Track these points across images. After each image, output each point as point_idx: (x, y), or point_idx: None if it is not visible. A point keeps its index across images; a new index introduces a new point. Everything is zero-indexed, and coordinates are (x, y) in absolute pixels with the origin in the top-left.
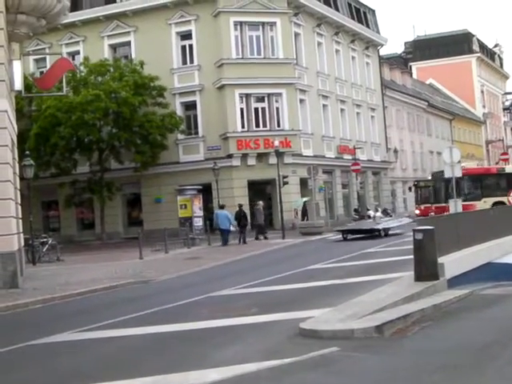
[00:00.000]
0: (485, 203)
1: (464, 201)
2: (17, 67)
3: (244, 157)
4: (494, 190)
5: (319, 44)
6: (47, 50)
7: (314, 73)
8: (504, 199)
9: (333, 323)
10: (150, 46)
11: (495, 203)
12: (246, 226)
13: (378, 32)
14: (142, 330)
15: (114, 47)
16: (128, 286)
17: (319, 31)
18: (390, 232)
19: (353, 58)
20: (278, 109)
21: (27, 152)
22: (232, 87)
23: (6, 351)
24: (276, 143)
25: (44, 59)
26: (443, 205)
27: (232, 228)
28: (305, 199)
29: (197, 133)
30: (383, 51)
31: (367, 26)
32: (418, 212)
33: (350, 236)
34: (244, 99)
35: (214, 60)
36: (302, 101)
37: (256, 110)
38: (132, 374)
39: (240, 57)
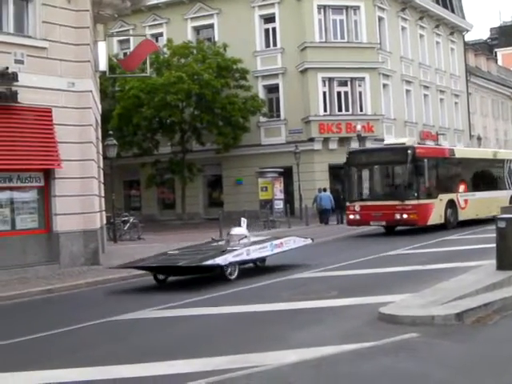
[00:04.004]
0: (441, 202)
1: (421, 197)
2: (101, 48)
3: (325, 141)
4: (450, 183)
5: (403, 29)
6: (131, 32)
7: (398, 58)
8: (454, 196)
9: (413, 309)
10: (233, 28)
11: (448, 202)
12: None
13: (463, 17)
14: (221, 310)
15: (197, 29)
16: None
17: (403, 16)
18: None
19: (437, 43)
20: (360, 93)
21: (110, 132)
22: (315, 71)
23: (87, 326)
24: (358, 127)
25: (128, 41)
26: (419, 202)
27: None
28: None
29: (279, 116)
30: (468, 37)
31: (452, 11)
32: (351, 216)
33: (163, 276)
34: (327, 83)
35: (297, 43)
36: (385, 85)
37: (338, 93)
38: (210, 353)
39: (323, 40)
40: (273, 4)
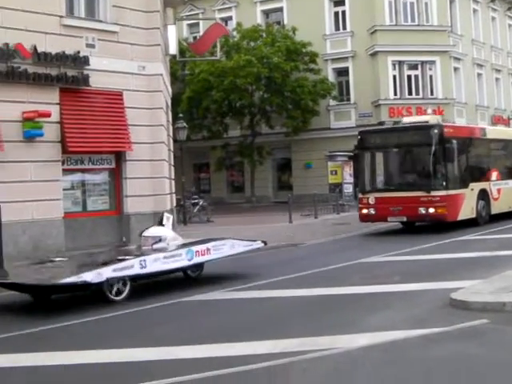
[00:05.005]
0: (472, 192)
1: (450, 187)
2: (171, 32)
3: (396, 124)
4: (482, 169)
5: (475, 11)
6: (200, 16)
7: (469, 41)
8: (486, 185)
9: (483, 295)
10: (303, 11)
11: (480, 192)
12: None
13: None
14: (292, 293)
15: (266, 13)
16: (278, 248)
17: None
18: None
19: (509, 25)
20: (431, 77)
21: (180, 115)
22: (385, 54)
23: (159, 306)
24: (429, 111)
25: (197, 24)
26: (448, 193)
27: None
28: None
29: (348, 99)
30: None
31: None
32: (364, 210)
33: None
34: (397, 66)
35: (367, 26)
36: (456, 69)
37: (409, 77)
38: (280, 335)
39: (393, 23)
40: None
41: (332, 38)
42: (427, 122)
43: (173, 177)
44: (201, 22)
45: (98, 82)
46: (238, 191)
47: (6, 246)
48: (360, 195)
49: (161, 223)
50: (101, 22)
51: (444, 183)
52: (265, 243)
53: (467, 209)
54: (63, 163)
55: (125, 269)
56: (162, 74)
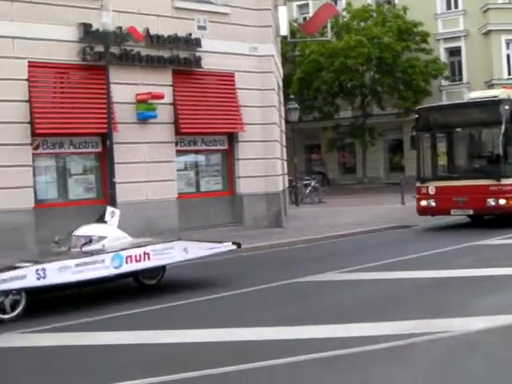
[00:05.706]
0: None
1: None
2: (282, 13)
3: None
4: None
5: None
6: None
7: None
8: None
9: None
10: None
11: None
12: None
13: None
14: (405, 275)
15: None
16: (390, 230)
17: None
18: None
19: None
20: None
21: (291, 96)
22: (498, 33)
23: (273, 286)
24: None
25: (307, 5)
26: None
27: None
28: None
29: (461, 79)
30: None
31: None
32: (423, 202)
33: None
34: (511, 45)
35: (480, 5)
36: None
37: None
38: (393, 317)
39: (507, 1)
40: None
41: (444, 17)
42: (497, 96)
43: (285, 158)
44: (310, 3)
45: (209, 64)
46: (349, 172)
47: (121, 226)
48: (418, 184)
49: (102, 219)
50: (212, 3)
51: None
52: (238, 245)
53: None
54: (176, 144)
55: (10, 280)
56: (273, 55)
